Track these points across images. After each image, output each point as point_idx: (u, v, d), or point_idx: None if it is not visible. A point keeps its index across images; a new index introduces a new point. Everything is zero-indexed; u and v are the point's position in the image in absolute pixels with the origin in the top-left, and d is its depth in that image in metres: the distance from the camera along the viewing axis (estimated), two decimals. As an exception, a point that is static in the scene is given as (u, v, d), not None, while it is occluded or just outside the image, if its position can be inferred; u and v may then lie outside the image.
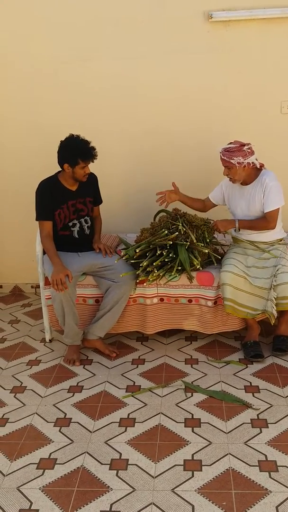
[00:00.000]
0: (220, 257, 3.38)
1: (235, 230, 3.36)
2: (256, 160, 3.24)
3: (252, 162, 3.20)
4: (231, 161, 3.17)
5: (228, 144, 3.24)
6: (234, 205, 3.40)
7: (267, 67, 3.83)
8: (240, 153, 3.17)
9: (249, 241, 3.36)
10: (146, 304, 3.38)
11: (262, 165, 3.30)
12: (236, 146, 3.20)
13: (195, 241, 3.27)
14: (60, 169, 3.36)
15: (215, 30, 3.77)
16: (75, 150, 3.23)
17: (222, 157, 3.21)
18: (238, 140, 3.25)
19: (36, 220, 3.38)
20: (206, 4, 3.71)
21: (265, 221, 3.26)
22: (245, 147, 3.18)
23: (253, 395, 2.93)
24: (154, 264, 3.23)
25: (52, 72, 3.97)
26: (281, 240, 3.39)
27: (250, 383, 3.05)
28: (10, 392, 3.09)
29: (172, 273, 3.25)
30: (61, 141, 3.29)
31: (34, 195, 3.38)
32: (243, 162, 3.17)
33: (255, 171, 3.28)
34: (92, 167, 3.39)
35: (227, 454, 2.47)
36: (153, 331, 3.45)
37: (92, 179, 3.50)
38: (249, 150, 3.19)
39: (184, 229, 3.35)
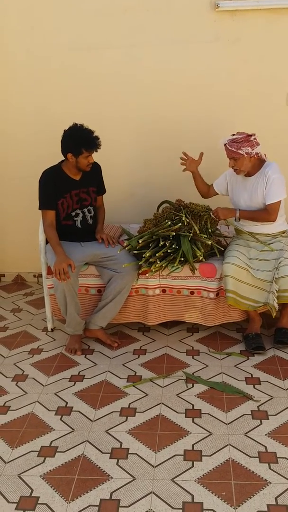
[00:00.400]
0: (223, 249, 3.38)
1: (235, 219, 3.35)
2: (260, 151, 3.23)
3: (258, 153, 3.19)
4: (239, 151, 3.16)
5: (232, 135, 3.22)
6: (237, 197, 3.39)
7: (273, 57, 3.80)
8: (248, 143, 3.16)
9: (251, 233, 3.35)
10: (148, 295, 3.38)
11: (263, 157, 3.29)
12: (243, 136, 3.19)
13: (198, 232, 3.27)
14: (63, 158, 3.35)
15: (221, 20, 3.74)
16: (79, 140, 3.22)
17: (229, 148, 3.19)
18: (242, 131, 3.24)
19: (39, 209, 3.37)
20: (212, -7, 3.68)
21: (266, 213, 3.26)
22: (252, 138, 3.18)
23: (254, 387, 2.94)
24: (156, 255, 3.23)
25: (59, 60, 3.94)
26: (284, 233, 3.38)
27: (251, 375, 3.06)
28: (12, 380, 3.11)
29: (175, 264, 3.25)
30: (65, 130, 3.28)
31: (38, 184, 3.38)
32: (251, 153, 3.16)
33: (259, 163, 3.27)
34: (96, 157, 3.38)
35: (227, 445, 2.48)
36: (155, 323, 3.46)
37: (96, 168, 3.49)
38: (255, 140, 3.18)
39: (187, 220, 3.34)
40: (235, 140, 3.19)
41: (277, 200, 3.21)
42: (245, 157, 3.17)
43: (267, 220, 3.28)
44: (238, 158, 3.20)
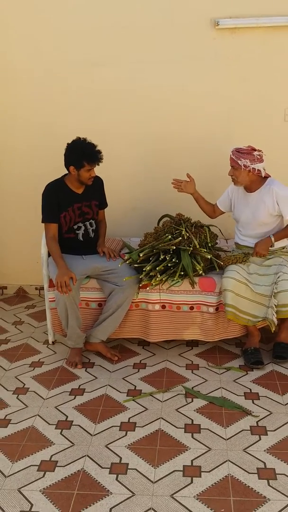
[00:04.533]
0: (222, 263, 3.40)
1: (272, 246, 3.36)
2: (264, 169, 3.26)
3: (258, 169, 3.23)
4: (238, 161, 3.20)
5: (244, 146, 3.27)
6: (238, 213, 3.42)
7: (272, 75, 3.85)
8: (249, 156, 3.20)
9: (249, 246, 3.39)
10: (149, 309, 3.40)
11: (267, 176, 3.32)
12: (247, 149, 3.23)
13: (198, 246, 3.30)
14: (66, 172, 3.39)
15: (221, 37, 3.79)
16: (81, 153, 3.26)
17: (231, 156, 3.25)
18: (252, 146, 3.27)
19: (42, 222, 3.41)
20: (212, 12, 3.73)
21: None
22: (256, 153, 3.21)
23: (253, 402, 2.95)
24: (157, 268, 3.26)
25: (63, 76, 4.00)
26: (283, 248, 3.41)
27: (250, 390, 3.08)
28: (13, 394, 3.12)
29: (175, 278, 3.28)
30: (68, 144, 3.32)
31: (41, 197, 3.41)
32: (249, 166, 3.19)
33: (260, 179, 3.31)
34: (99, 171, 3.42)
35: (226, 461, 2.49)
36: (156, 340, 3.47)
37: (98, 182, 3.53)
38: (258, 156, 3.21)
39: (188, 234, 3.37)
40: (239, 150, 3.24)
41: None
42: (241, 168, 3.21)
43: None
44: (237, 168, 3.24)
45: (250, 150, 3.23)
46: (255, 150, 3.23)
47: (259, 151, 3.24)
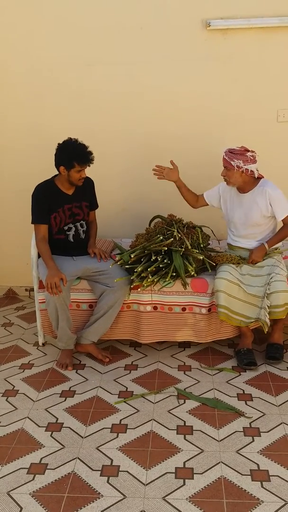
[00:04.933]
0: (214, 264, 3.38)
1: (267, 252, 3.35)
2: (257, 170, 3.25)
3: (251, 170, 3.21)
4: (231, 162, 3.19)
5: (236, 147, 3.26)
6: (231, 213, 3.40)
7: (264, 75, 3.85)
8: (241, 157, 3.18)
9: (245, 248, 3.37)
10: (140, 310, 3.37)
11: (261, 176, 3.31)
12: (240, 149, 3.22)
13: (190, 247, 3.28)
14: (57, 172, 3.36)
15: (213, 38, 3.78)
16: (72, 153, 3.24)
17: (224, 157, 3.24)
18: (245, 147, 3.26)
19: (32, 223, 3.37)
20: (204, 13, 3.73)
21: (286, 229, 3.30)
22: (248, 153, 3.20)
23: (246, 403, 2.93)
24: (148, 269, 3.23)
25: (53, 75, 3.97)
26: (276, 249, 3.40)
27: (243, 391, 3.05)
28: (2, 396, 3.08)
29: (167, 279, 3.25)
30: (59, 144, 3.30)
31: (31, 198, 3.38)
32: (242, 167, 3.18)
33: (253, 180, 3.29)
34: (89, 172, 3.39)
35: (219, 463, 2.46)
36: (148, 341, 3.44)
37: (89, 183, 3.50)
38: (251, 157, 3.20)
39: (179, 235, 3.35)
40: (232, 150, 3.22)
41: None
42: (234, 169, 3.20)
43: None
44: (229, 168, 3.23)
45: (243, 151, 3.21)
46: (248, 151, 3.22)
47: (252, 152, 3.23)
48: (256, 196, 3.27)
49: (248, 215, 3.30)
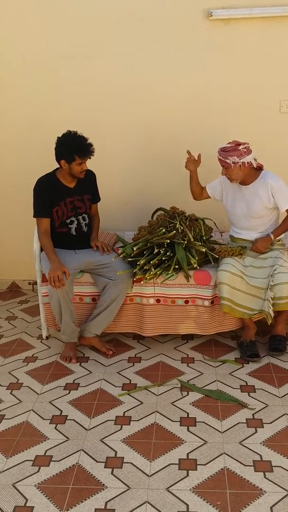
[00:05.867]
0: (217, 256, 3.38)
1: (272, 244, 3.35)
2: (255, 160, 3.24)
3: (249, 162, 3.20)
4: (227, 160, 3.19)
5: (227, 143, 3.24)
6: (233, 206, 3.40)
7: (266, 66, 3.82)
8: (235, 153, 3.17)
9: (247, 240, 3.37)
10: (143, 303, 3.38)
11: (260, 165, 3.30)
12: (231, 145, 3.20)
13: (192, 240, 3.27)
14: (58, 166, 3.35)
15: (214, 28, 3.76)
16: (72, 146, 3.23)
17: (219, 157, 3.23)
18: (236, 140, 3.25)
19: (34, 217, 3.38)
20: (206, 2, 3.70)
21: None
22: (241, 147, 3.18)
23: (249, 395, 2.94)
24: (151, 262, 3.23)
25: (53, 68, 3.96)
26: (279, 241, 3.39)
27: (246, 382, 3.06)
28: (7, 389, 3.10)
29: (169, 272, 3.25)
30: (58, 137, 3.29)
31: (32, 191, 3.38)
32: (237, 162, 3.17)
33: (254, 171, 3.28)
34: (91, 165, 3.39)
35: (222, 454, 2.48)
36: (151, 334, 3.45)
37: (90, 176, 3.50)
38: (244, 150, 3.18)
39: (182, 228, 3.35)
40: (224, 149, 3.21)
41: None
42: (232, 166, 3.19)
43: None
44: (227, 167, 3.22)
45: (234, 146, 3.19)
46: (239, 144, 3.20)
47: (244, 144, 3.21)
48: (258, 188, 3.26)
49: (251, 207, 3.29)
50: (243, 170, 3.23)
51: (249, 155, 3.19)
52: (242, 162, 3.18)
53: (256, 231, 3.36)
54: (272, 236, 3.31)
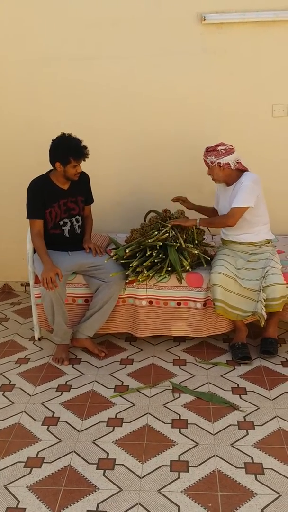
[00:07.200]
0: (209, 259, 3.40)
1: (196, 226, 3.41)
2: (238, 162, 3.27)
3: (226, 162, 3.24)
4: (207, 160, 3.30)
5: (214, 144, 3.30)
6: (220, 207, 3.46)
7: (259, 70, 3.85)
8: (213, 153, 3.26)
9: (235, 242, 3.38)
10: (136, 305, 3.39)
11: (241, 167, 3.30)
12: (213, 146, 3.29)
13: (183, 245, 3.28)
14: (52, 167, 3.36)
15: (208, 32, 3.78)
16: (67, 149, 3.23)
17: (203, 157, 3.33)
18: (223, 142, 3.29)
19: (27, 218, 3.38)
20: (199, 6, 3.72)
21: (225, 216, 3.28)
22: (220, 147, 3.25)
23: (240, 397, 2.96)
24: (144, 264, 3.24)
25: (49, 70, 3.96)
26: (269, 242, 3.41)
27: (238, 385, 3.08)
28: (-2, 391, 3.10)
29: (162, 274, 3.26)
30: (53, 140, 3.29)
31: (25, 193, 3.38)
32: (214, 161, 3.25)
33: (236, 173, 3.31)
34: (85, 167, 3.39)
35: (213, 456, 2.49)
36: (144, 335, 3.47)
37: (84, 178, 3.51)
38: (223, 151, 3.24)
39: (173, 232, 3.36)
40: (207, 148, 3.31)
41: (241, 205, 3.19)
42: (210, 165, 3.28)
43: (225, 224, 3.30)
44: (208, 166, 3.32)
45: (215, 146, 3.28)
46: (219, 145, 3.27)
47: (225, 145, 3.26)
48: (237, 187, 3.29)
49: (231, 206, 3.30)
50: (223, 170, 3.28)
51: (228, 156, 3.24)
52: (218, 162, 3.24)
53: (243, 233, 3.34)
54: (198, 221, 3.35)
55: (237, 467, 2.41)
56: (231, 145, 3.28)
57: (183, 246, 3.28)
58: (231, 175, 3.31)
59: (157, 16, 3.78)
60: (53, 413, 2.86)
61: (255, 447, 2.54)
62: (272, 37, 3.77)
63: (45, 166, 3.39)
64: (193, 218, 3.41)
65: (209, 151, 3.28)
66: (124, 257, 3.32)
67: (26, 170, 3.74)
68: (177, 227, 3.42)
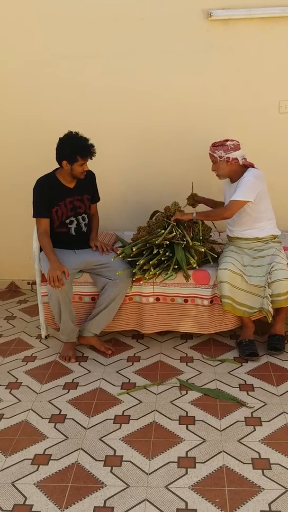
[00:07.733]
0: (216, 256, 3.39)
1: (193, 220, 3.42)
2: (244, 159, 3.27)
3: (235, 158, 3.24)
4: (214, 154, 3.28)
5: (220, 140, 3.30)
6: (225, 203, 3.43)
7: (266, 66, 3.84)
8: (222, 147, 3.25)
9: (240, 238, 3.37)
10: (142, 302, 3.38)
11: (248, 163, 3.30)
12: (221, 141, 3.28)
13: (191, 243, 3.28)
14: (58, 166, 3.36)
15: (214, 29, 3.77)
16: (74, 147, 3.23)
17: (209, 152, 3.32)
18: (230, 138, 3.30)
19: (33, 217, 3.38)
20: (205, 3, 3.71)
21: (222, 209, 3.32)
22: (229, 142, 3.26)
23: (248, 394, 2.95)
24: (150, 262, 3.24)
25: (51, 68, 3.96)
26: (275, 238, 3.40)
27: (245, 381, 3.07)
28: (6, 388, 3.10)
29: (169, 272, 3.26)
30: (60, 138, 3.29)
31: (32, 191, 3.38)
32: (223, 156, 3.24)
33: (241, 169, 3.30)
34: (91, 165, 3.39)
35: (220, 452, 2.49)
36: (151, 331, 3.46)
37: (90, 176, 3.51)
38: (232, 146, 3.25)
39: (179, 231, 3.35)
40: (214, 144, 3.31)
41: (240, 199, 3.20)
42: (218, 160, 3.26)
43: (221, 216, 3.31)
44: (215, 161, 3.30)
45: (223, 141, 3.29)
46: (227, 140, 3.28)
47: (233, 140, 3.27)
48: (239, 184, 3.28)
49: None
50: (230, 166, 3.28)
51: (236, 152, 3.25)
52: (227, 157, 3.24)
53: (248, 228, 3.34)
54: (194, 214, 3.36)
55: (244, 463, 2.40)
56: (238, 141, 3.28)
57: (191, 244, 3.28)
58: (237, 171, 3.30)
59: (163, 12, 3.77)
60: (60, 410, 2.87)
61: (262, 443, 2.53)
62: (278, 33, 3.76)
63: (49, 164, 3.39)
64: (189, 213, 3.42)
65: (217, 145, 3.27)
66: (131, 255, 3.32)
67: (30, 169, 3.77)
68: (182, 224, 3.41)
